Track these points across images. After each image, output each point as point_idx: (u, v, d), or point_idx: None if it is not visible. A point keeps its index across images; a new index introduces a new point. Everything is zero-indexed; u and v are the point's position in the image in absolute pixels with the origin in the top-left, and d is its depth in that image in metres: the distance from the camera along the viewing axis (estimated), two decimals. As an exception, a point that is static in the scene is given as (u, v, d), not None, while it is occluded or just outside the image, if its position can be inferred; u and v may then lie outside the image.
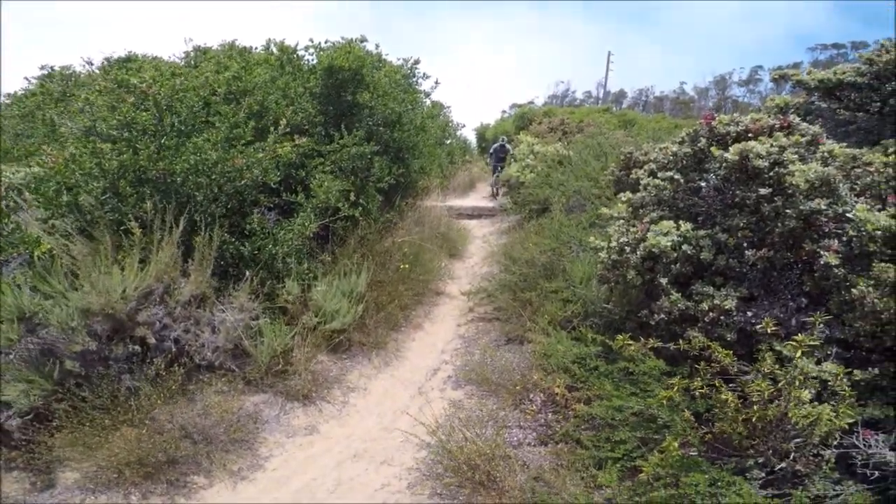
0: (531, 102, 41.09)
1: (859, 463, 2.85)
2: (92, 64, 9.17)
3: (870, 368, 3.23)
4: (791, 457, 2.88)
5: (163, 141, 4.88)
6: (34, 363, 3.87)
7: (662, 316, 4.11)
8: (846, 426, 2.82)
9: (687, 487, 2.71)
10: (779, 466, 2.90)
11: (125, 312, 4.26)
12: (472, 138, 25.61)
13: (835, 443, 2.90)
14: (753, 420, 2.83)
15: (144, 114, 4.85)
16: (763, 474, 2.90)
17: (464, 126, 25.65)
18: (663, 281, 4.16)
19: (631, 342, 3.56)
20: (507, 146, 15.85)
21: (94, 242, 4.54)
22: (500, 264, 7.94)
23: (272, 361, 4.87)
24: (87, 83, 6.92)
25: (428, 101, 10.46)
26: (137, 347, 4.27)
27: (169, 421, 4.00)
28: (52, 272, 4.19)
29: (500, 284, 6.94)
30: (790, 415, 2.76)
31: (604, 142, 11.59)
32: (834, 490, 2.72)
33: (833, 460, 2.86)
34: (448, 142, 16.43)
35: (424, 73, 8.95)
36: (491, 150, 16.31)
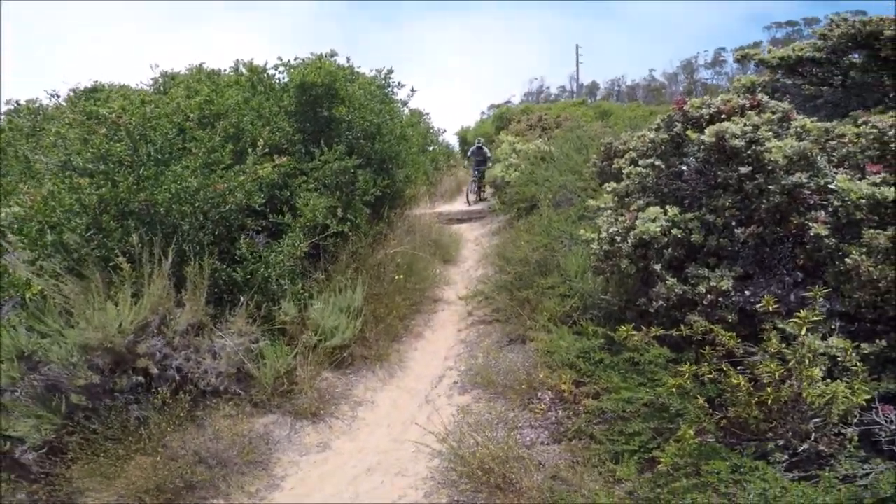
0: (508, 102, 41.28)
1: (884, 440, 2.81)
2: (59, 96, 8.99)
3: (877, 341, 3.19)
4: (812, 437, 2.83)
5: (141, 171, 4.78)
6: (41, 399, 3.87)
7: (661, 303, 4.09)
8: (863, 403, 2.77)
9: (709, 476, 2.66)
10: (801, 448, 2.85)
11: (124, 346, 4.23)
12: (454, 143, 25.60)
13: (854, 420, 2.84)
14: (769, 403, 2.79)
15: (118, 144, 4.75)
16: (786, 457, 2.83)
17: (445, 131, 25.58)
18: (657, 267, 4.15)
19: (634, 332, 3.54)
20: (485, 149, 15.30)
21: (84, 280, 4.45)
22: (495, 265, 7.91)
23: (276, 382, 4.82)
24: (55, 116, 6.77)
25: (407, 110, 10.41)
26: (141, 378, 4.26)
27: (181, 447, 3.99)
28: (47, 312, 4.16)
29: (497, 286, 6.90)
30: (804, 395, 2.71)
31: (583, 134, 11.64)
32: (863, 469, 2.65)
33: (856, 438, 2.80)
34: (431, 148, 16.35)
35: (399, 83, 8.86)
36: (469, 154, 15.84)
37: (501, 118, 23.42)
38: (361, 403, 5.09)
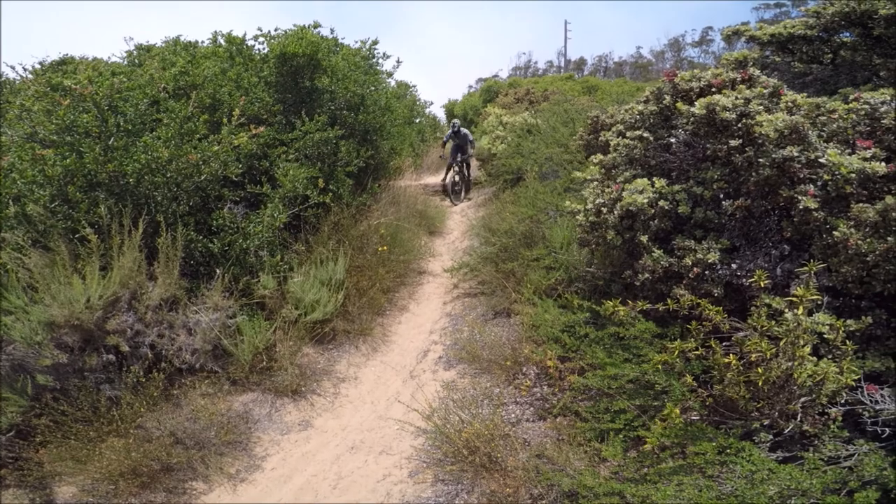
0: (496, 76, 40.57)
1: (868, 420, 2.73)
2: (26, 69, 8.53)
3: (862, 317, 3.10)
4: (798, 417, 2.74)
5: (110, 142, 4.49)
6: (5, 380, 3.67)
7: (647, 275, 3.96)
8: (852, 383, 2.69)
9: (695, 457, 2.55)
10: (787, 429, 2.76)
11: (92, 322, 3.98)
12: (441, 115, 25.13)
13: (840, 400, 2.77)
14: (758, 383, 2.66)
15: (85, 115, 4.45)
16: (770, 437, 2.75)
17: (432, 104, 25.04)
18: (643, 238, 4.02)
19: (620, 307, 3.38)
20: (465, 131, 11.71)
21: (49, 253, 4.20)
22: (480, 237, 7.69)
23: (255, 359, 4.63)
24: (22, 89, 6.38)
25: (393, 82, 9.99)
26: (112, 357, 4.03)
27: (157, 428, 3.82)
28: (9, 287, 3.91)
29: (482, 258, 6.70)
30: (795, 375, 2.60)
31: (570, 108, 11.35)
32: (846, 450, 2.57)
33: (840, 419, 2.73)
34: (418, 121, 15.90)
35: (385, 53, 8.53)
36: (445, 139, 12.13)
37: (489, 91, 23.00)
38: (344, 380, 4.92)
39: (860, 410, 2.77)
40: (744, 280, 3.52)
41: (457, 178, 11.52)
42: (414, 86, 15.22)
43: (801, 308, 2.69)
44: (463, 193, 11.74)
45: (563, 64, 52.72)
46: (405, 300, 6.54)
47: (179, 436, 3.79)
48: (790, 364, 2.60)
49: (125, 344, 4.06)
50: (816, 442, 2.68)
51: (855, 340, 3.02)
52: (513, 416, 3.93)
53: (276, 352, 4.73)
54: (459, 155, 11.48)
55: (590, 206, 4.51)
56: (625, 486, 2.46)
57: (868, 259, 3.09)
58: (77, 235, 4.25)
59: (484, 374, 4.58)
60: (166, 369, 4.16)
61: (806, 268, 2.91)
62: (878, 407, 2.73)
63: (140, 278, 4.39)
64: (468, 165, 11.80)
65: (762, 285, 2.92)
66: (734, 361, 2.73)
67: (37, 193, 4.29)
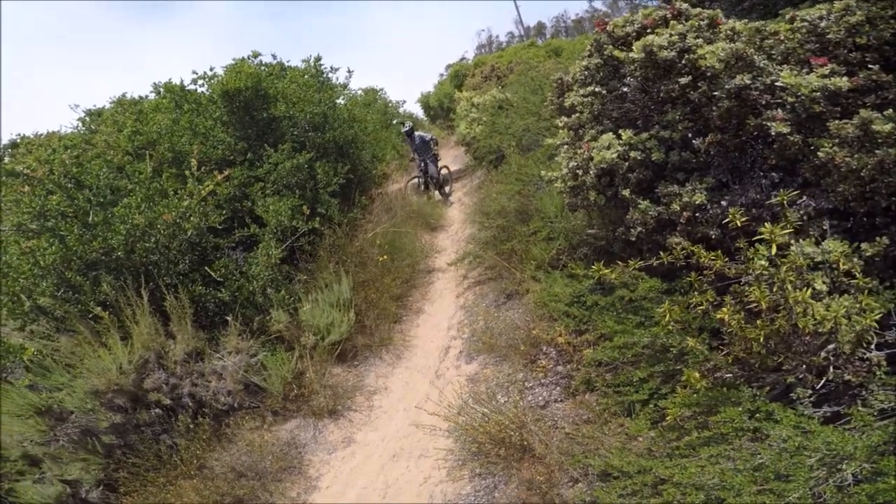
0: (463, 59, 39.97)
1: None
2: None
3: (877, 238, 2.81)
4: (832, 367, 2.44)
5: (88, 219, 4.43)
6: (80, 443, 3.98)
7: (640, 229, 3.79)
8: (874, 324, 2.34)
9: (721, 426, 2.31)
10: (822, 381, 2.46)
11: (130, 384, 4.26)
12: (418, 111, 24.85)
13: (873, 342, 2.41)
14: (761, 339, 2.42)
15: (53, 198, 4.41)
16: (808, 392, 2.43)
17: (404, 102, 24.76)
18: (626, 192, 3.86)
19: (605, 270, 3.18)
20: (420, 133, 11.15)
21: (74, 335, 4.34)
22: (477, 223, 7.58)
23: (287, 388, 4.68)
24: None
25: (359, 91, 9.83)
26: (159, 410, 4.26)
27: (218, 466, 4.01)
28: (51, 368, 4.20)
29: (482, 243, 6.60)
30: (800, 324, 2.31)
31: (535, 75, 11.11)
32: None
33: (884, 363, 2.37)
34: (394, 122, 15.77)
35: (332, 67, 8.38)
36: (407, 143, 11.61)
37: (457, 76, 22.61)
38: (375, 392, 4.89)
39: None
40: (725, 221, 3.22)
41: (420, 178, 10.78)
42: (381, 89, 15.04)
43: (773, 248, 2.43)
44: (446, 188, 11.18)
45: (522, 33, 51.93)
46: (419, 302, 6.44)
47: (239, 469, 3.94)
48: (789, 313, 2.35)
49: (166, 398, 4.31)
50: (865, 393, 2.36)
51: (877, 267, 2.74)
52: (540, 398, 3.85)
53: (306, 378, 4.76)
54: (426, 157, 10.74)
55: (565, 170, 4.36)
56: (654, 464, 2.32)
57: (863, 174, 2.88)
58: (91, 315, 4.29)
59: (504, 361, 4.49)
60: (210, 413, 4.36)
61: (780, 196, 2.65)
62: (922, 343, 2.38)
63: (160, 339, 4.53)
64: (434, 162, 10.93)
65: (739, 223, 2.69)
66: (729, 315, 2.49)
67: (41, 286, 4.30)
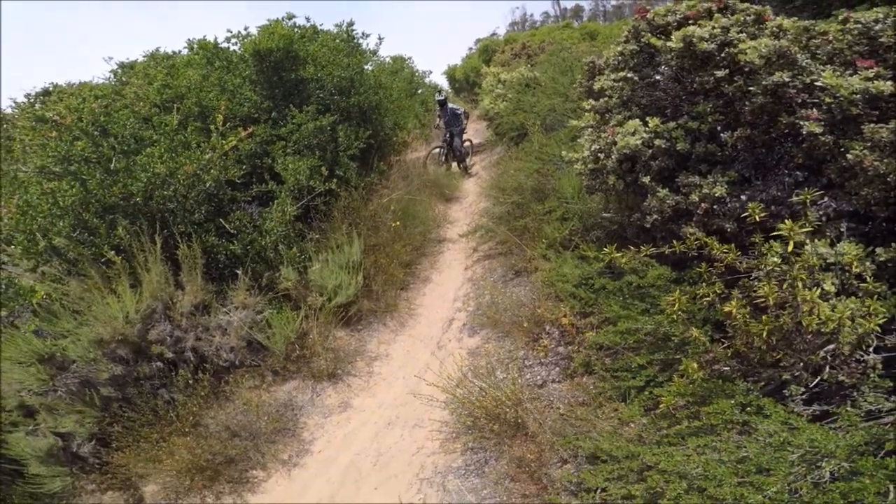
0: (494, 34, 39.22)
1: None
2: (17, 104, 8.53)
3: (893, 244, 2.78)
4: (827, 367, 2.46)
5: (111, 165, 4.47)
6: (77, 395, 3.94)
7: (655, 216, 3.75)
8: (877, 328, 2.33)
9: (711, 417, 2.34)
10: (816, 379, 2.48)
11: (135, 335, 4.21)
12: (443, 83, 24.56)
13: (873, 345, 2.42)
14: (763, 335, 2.42)
15: (78, 143, 4.43)
16: (801, 390, 2.46)
17: (431, 73, 24.47)
18: (646, 179, 3.81)
19: (616, 254, 3.17)
20: (452, 105, 10.87)
21: (84, 279, 4.34)
22: (492, 197, 7.52)
23: (289, 348, 4.71)
24: (19, 124, 6.42)
25: (387, 59, 9.68)
26: (160, 364, 4.25)
27: (213, 424, 4.02)
28: (58, 314, 4.15)
29: (495, 218, 6.56)
30: (804, 323, 2.31)
31: (568, 56, 10.87)
32: (889, 402, 2.25)
33: (880, 366, 2.38)
34: (419, 91, 15.59)
35: (363, 33, 8.26)
36: (438, 113, 11.32)
37: (486, 51, 22.27)
38: (376, 358, 4.94)
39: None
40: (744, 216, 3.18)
41: (443, 150, 10.69)
42: (409, 58, 14.87)
43: (790, 245, 2.41)
44: (468, 160, 11.09)
45: (558, 13, 50.73)
46: (427, 271, 6.48)
47: (234, 429, 3.97)
48: (795, 311, 2.35)
49: (168, 351, 4.28)
50: (856, 394, 2.38)
51: (889, 271, 2.71)
52: (538, 377, 3.87)
53: (309, 339, 4.79)
54: (448, 127, 10.71)
55: (586, 153, 4.30)
56: (643, 450, 2.34)
57: (889, 179, 2.83)
58: (104, 259, 4.33)
59: (506, 337, 4.51)
60: (211, 369, 4.33)
61: (803, 195, 2.62)
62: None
63: (169, 289, 4.53)
64: (460, 135, 10.91)
65: (758, 219, 2.64)
66: (735, 309, 2.49)
67: (57, 225, 4.35)
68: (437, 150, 10.67)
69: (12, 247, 4.54)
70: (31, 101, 8.74)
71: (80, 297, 4.24)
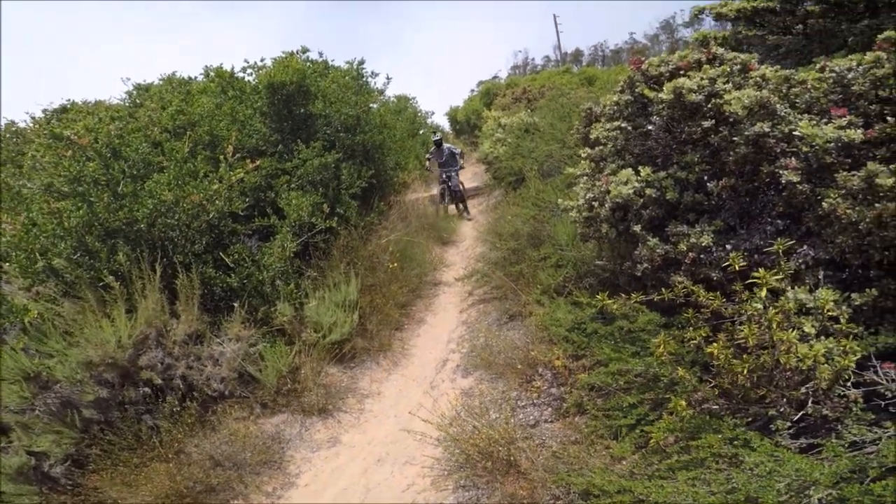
0: (495, 77, 40.55)
1: (886, 401, 2.57)
2: (33, 118, 8.78)
3: (867, 290, 2.98)
4: (810, 402, 2.62)
5: (119, 189, 4.64)
6: (57, 415, 3.97)
7: (646, 265, 3.94)
8: (852, 365, 2.51)
9: (700, 450, 2.48)
10: (804, 413, 2.64)
11: (125, 360, 4.27)
12: (445, 124, 25.23)
13: (850, 381, 2.60)
14: (745, 372, 2.60)
15: (91, 164, 4.60)
16: (787, 424, 2.61)
17: (433, 113, 25.21)
18: (637, 228, 4.01)
19: (608, 301, 3.36)
20: (452, 147, 11.10)
21: (79, 301, 4.45)
22: (489, 242, 7.73)
23: (280, 382, 4.77)
24: (33, 140, 6.60)
25: (393, 98, 10.06)
26: (148, 389, 4.31)
27: (197, 452, 4.02)
28: (47, 334, 4.22)
29: (491, 263, 6.75)
30: (783, 361, 2.52)
31: (566, 102, 11.33)
32: (871, 433, 2.38)
33: (861, 400, 2.54)
34: (421, 132, 16.05)
35: (372, 72, 8.72)
36: (428, 154, 11.48)
37: (488, 94, 23.00)
38: (368, 395, 5.00)
39: (883, 391, 2.59)
40: (726, 265, 3.37)
41: (444, 191, 10.88)
42: (413, 98, 15.36)
43: (763, 290, 2.61)
44: (462, 206, 11.16)
45: (559, 58, 52.62)
46: (422, 312, 6.60)
47: (217, 458, 3.96)
48: (774, 350, 2.53)
49: (158, 377, 4.33)
50: (839, 427, 2.52)
51: (865, 314, 2.89)
52: (531, 417, 3.95)
53: (301, 374, 4.85)
54: (450, 172, 10.79)
55: (581, 201, 4.50)
56: (634, 484, 2.43)
57: (860, 227, 3.02)
58: (101, 283, 4.43)
59: (500, 378, 4.60)
60: (199, 398, 4.38)
61: (776, 244, 2.83)
62: (895, 386, 2.56)
63: (164, 317, 4.62)
64: (457, 175, 10.98)
65: (738, 267, 2.82)
66: (718, 350, 2.66)
67: (59, 247, 4.46)
68: (439, 192, 10.88)
69: (8, 264, 4.63)
70: (49, 117, 8.95)
71: (73, 318, 4.31)
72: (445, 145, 10.98)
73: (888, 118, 3.34)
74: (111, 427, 4.02)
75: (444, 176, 10.80)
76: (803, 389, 2.62)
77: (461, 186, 11.23)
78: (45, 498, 3.72)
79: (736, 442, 2.49)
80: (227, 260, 5.16)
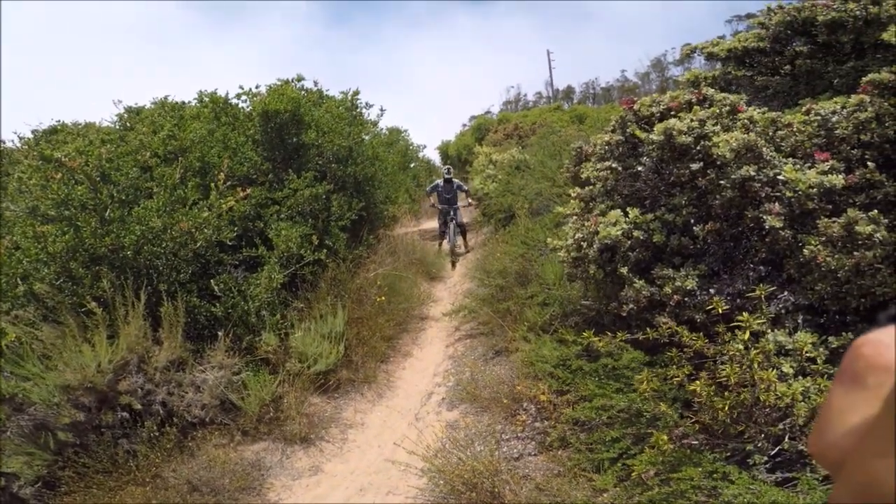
0: (488, 112, 41.43)
1: None
2: (21, 138, 8.85)
3: (843, 333, 3.15)
4: (787, 437, 2.78)
5: (106, 214, 4.70)
6: (30, 437, 3.98)
7: (631, 306, 4.08)
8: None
9: (680, 483, 2.61)
10: (780, 448, 2.80)
11: (105, 384, 4.29)
12: (436, 158, 25.65)
13: None
14: (726, 409, 2.76)
15: (79, 188, 4.66)
16: (765, 459, 2.77)
17: (425, 147, 25.60)
18: (623, 270, 4.16)
19: (594, 339, 3.51)
20: (460, 183, 11.12)
21: (59, 326, 4.47)
22: (476, 279, 7.93)
23: (263, 411, 4.82)
24: (20, 160, 6.61)
25: (384, 129, 10.23)
26: (126, 414, 4.32)
27: (174, 477, 4.02)
28: (25, 357, 4.23)
29: (479, 299, 6.93)
30: (762, 398, 2.68)
31: (557, 140, 11.69)
32: None
33: None
34: (412, 165, 16.36)
35: (367, 103, 8.83)
36: (429, 189, 11.21)
37: (480, 129, 23.52)
38: (352, 426, 5.07)
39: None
40: (710, 309, 3.50)
41: (453, 228, 10.63)
42: (405, 131, 15.67)
43: (746, 333, 2.79)
44: (464, 240, 11.16)
45: (551, 94, 53.98)
46: (408, 346, 6.71)
47: (195, 483, 3.98)
48: (754, 388, 2.69)
49: (137, 402, 4.35)
50: (814, 461, 2.62)
51: (841, 357, 3.12)
52: (515, 451, 4.04)
53: (284, 403, 4.90)
54: (452, 208, 10.69)
55: (570, 241, 4.64)
56: None
57: (839, 275, 3.18)
58: (84, 309, 4.46)
59: (485, 412, 4.70)
60: (178, 423, 4.41)
61: (757, 290, 3.02)
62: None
63: (146, 344, 4.66)
64: (455, 216, 10.83)
65: (720, 311, 3.00)
66: (700, 388, 2.82)
67: (42, 272, 4.51)
68: (446, 232, 10.69)
69: None
70: (38, 137, 9.01)
71: (52, 342, 4.33)
72: (455, 181, 10.95)
73: (868, 163, 3.52)
74: (86, 450, 4.02)
75: (451, 213, 10.68)
76: (781, 426, 2.77)
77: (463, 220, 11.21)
78: (13, 519, 3.70)
79: (715, 475, 2.63)
80: (215, 289, 5.24)
